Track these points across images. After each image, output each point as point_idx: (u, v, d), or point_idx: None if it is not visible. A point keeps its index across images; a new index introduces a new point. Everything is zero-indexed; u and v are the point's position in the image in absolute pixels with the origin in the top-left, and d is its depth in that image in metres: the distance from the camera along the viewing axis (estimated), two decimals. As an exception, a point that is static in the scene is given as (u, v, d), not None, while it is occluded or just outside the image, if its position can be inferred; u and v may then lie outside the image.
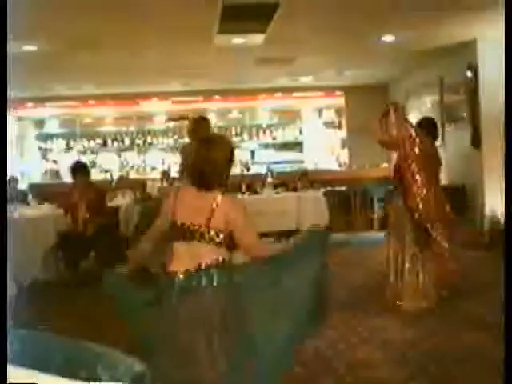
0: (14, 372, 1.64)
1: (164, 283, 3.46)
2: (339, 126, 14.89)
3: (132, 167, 14.43)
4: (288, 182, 10.48)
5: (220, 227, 3.39)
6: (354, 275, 7.60)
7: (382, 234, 7.51)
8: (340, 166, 14.61)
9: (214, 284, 3.35)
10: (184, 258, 3.41)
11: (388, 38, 9.19)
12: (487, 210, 9.32)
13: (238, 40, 8.81)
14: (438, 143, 11.01)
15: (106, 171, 13.81)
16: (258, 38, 8.75)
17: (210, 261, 3.37)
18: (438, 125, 10.94)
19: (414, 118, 12.45)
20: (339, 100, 14.51)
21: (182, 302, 3.35)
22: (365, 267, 8.01)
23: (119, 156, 14.56)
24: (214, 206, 3.41)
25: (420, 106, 12.18)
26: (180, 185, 3.70)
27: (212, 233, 3.38)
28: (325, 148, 14.96)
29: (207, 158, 3.49)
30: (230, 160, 3.62)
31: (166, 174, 11.35)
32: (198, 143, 3.73)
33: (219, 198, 3.44)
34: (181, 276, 3.36)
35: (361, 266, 8.16)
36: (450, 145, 10.61)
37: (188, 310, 3.33)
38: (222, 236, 3.40)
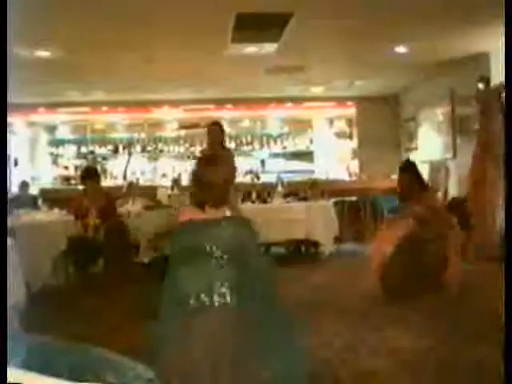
0: (15, 374, 1.65)
1: None
2: (350, 137, 14.89)
3: (143, 174, 14.46)
4: (298, 191, 10.46)
5: None
6: (363, 285, 7.55)
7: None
8: (350, 176, 14.60)
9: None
10: None
11: (400, 49, 9.19)
12: (498, 224, 9.27)
13: (250, 49, 8.83)
14: (449, 155, 11.07)
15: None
16: (270, 48, 8.77)
17: None
18: (450, 137, 11.02)
19: (426, 129, 12.50)
20: (350, 110, 14.52)
21: None
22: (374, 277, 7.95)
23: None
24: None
25: (431, 118, 12.16)
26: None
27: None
28: (335, 158, 14.95)
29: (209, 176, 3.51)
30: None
31: (176, 182, 11.35)
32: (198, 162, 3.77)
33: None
34: None
35: (369, 276, 8.10)
36: (462, 157, 10.58)
37: None
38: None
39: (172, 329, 3.40)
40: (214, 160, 3.63)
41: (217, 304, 3.29)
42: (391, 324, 5.69)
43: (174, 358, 3.34)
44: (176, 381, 3.28)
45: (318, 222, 9.58)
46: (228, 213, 3.41)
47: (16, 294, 5.53)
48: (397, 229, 7.06)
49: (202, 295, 3.31)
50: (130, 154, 14.11)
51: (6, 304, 2.67)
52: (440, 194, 10.16)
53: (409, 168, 7.33)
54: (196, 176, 3.56)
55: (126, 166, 12.90)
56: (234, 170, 7.17)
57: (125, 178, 12.87)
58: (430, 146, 12.25)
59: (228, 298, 3.30)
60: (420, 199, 6.98)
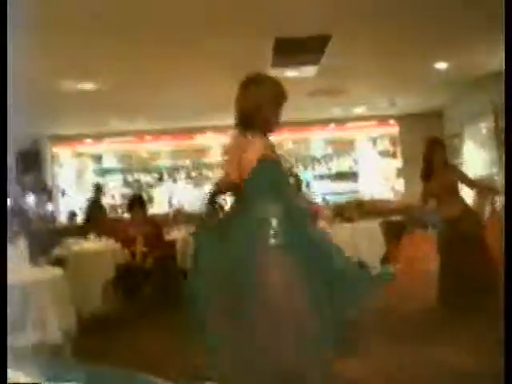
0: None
1: None
2: (394, 155, 14.80)
3: (188, 200, 14.55)
4: (343, 212, 10.40)
5: None
6: (412, 308, 7.43)
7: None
8: (396, 195, 14.49)
9: None
10: None
11: (440, 65, 9.14)
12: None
13: (291, 73, 8.87)
14: (495, 170, 10.90)
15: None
16: (310, 70, 8.80)
17: None
18: (495, 151, 10.85)
19: (470, 145, 12.37)
20: (393, 129, 14.46)
21: None
22: (422, 300, 7.81)
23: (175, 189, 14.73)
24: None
25: (476, 134, 12.03)
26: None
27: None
28: (380, 177, 14.86)
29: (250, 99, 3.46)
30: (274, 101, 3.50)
31: (221, 207, 11.37)
32: (241, 85, 3.61)
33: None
34: None
35: (419, 298, 7.97)
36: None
37: None
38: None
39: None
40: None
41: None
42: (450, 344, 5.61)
43: None
44: None
45: (364, 242, 9.51)
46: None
47: (66, 321, 5.61)
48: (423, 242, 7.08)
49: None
50: (174, 181, 14.25)
51: (5, 305, 2.73)
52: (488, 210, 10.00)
53: (439, 141, 7.40)
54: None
55: (171, 194, 12.99)
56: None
57: (170, 205, 12.99)
58: (475, 161, 12.10)
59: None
60: (444, 174, 6.98)
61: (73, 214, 11.67)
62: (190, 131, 14.02)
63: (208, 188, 14.53)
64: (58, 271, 6.07)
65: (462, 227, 6.78)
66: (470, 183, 7.35)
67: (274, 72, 8.66)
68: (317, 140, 14.87)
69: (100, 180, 14.76)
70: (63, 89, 8.71)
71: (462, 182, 7.17)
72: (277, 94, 3.55)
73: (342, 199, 13.52)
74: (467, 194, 7.41)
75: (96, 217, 10.56)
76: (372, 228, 9.89)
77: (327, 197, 13.10)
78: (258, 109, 3.44)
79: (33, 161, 13.03)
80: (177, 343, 6.21)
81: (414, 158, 13.35)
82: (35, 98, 9.20)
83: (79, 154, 14.68)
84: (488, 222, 6.98)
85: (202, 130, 13.98)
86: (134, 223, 8.41)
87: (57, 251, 7.68)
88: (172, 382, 1.89)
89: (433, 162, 7.10)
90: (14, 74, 7.70)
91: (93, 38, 6.66)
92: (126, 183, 14.80)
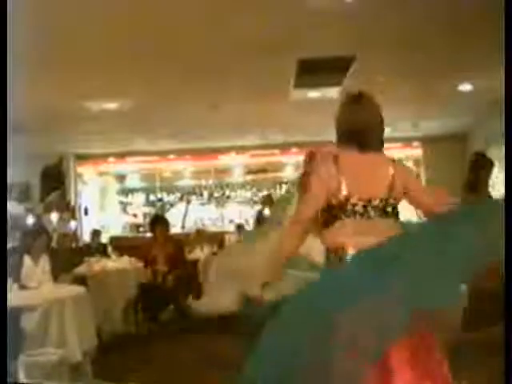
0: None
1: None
2: (417, 177, 14.70)
3: (210, 220, 14.57)
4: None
5: (399, 196, 3.10)
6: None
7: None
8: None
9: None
10: (360, 239, 2.89)
11: (465, 87, 9.09)
12: None
13: (313, 94, 8.87)
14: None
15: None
16: (333, 91, 8.79)
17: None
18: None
19: (497, 167, 12.24)
20: (417, 151, 14.37)
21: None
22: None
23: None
24: (392, 171, 3.11)
25: (500, 155, 11.91)
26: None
27: (393, 204, 3.07)
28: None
29: (367, 115, 3.24)
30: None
31: (240, 228, 11.38)
32: (348, 101, 3.39)
33: (392, 162, 3.15)
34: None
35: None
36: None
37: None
38: (397, 207, 3.08)
39: None
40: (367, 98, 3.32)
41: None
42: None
43: None
44: None
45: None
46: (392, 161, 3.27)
47: (87, 339, 5.62)
48: None
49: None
50: (188, 203, 14.28)
51: (6, 305, 2.73)
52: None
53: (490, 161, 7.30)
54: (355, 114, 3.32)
55: (185, 215, 12.98)
56: None
57: (183, 226, 12.97)
58: (500, 183, 11.98)
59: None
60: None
61: (95, 233, 11.67)
62: (214, 151, 14.04)
63: (230, 207, 14.58)
64: (80, 289, 6.10)
65: None
66: None
67: (296, 93, 8.69)
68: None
69: (123, 199, 14.87)
70: (88, 109, 8.79)
71: None
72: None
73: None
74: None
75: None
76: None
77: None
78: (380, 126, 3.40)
79: (57, 179, 13.12)
80: (198, 364, 6.20)
81: (437, 180, 13.33)
82: (60, 117, 9.29)
83: (103, 173, 14.77)
84: None
85: (225, 150, 14.00)
86: (156, 242, 8.43)
87: (79, 270, 7.71)
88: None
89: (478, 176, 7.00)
90: (40, 94, 7.81)
91: (117, 59, 6.71)
92: (149, 202, 14.86)
